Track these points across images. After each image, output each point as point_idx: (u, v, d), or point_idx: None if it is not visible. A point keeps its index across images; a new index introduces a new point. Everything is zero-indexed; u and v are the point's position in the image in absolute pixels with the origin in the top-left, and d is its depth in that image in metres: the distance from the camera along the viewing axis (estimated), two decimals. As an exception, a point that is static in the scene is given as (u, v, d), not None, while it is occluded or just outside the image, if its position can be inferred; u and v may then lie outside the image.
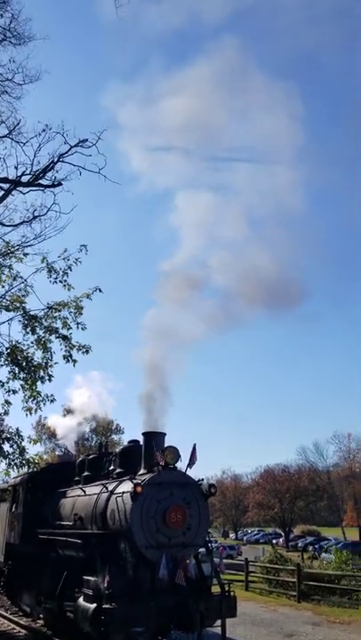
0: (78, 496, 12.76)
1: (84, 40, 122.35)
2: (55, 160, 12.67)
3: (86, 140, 12.62)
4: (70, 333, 12.74)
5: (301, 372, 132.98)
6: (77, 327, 12.78)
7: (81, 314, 12.89)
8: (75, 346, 12.69)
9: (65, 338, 12.75)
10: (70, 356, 12.62)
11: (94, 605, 9.25)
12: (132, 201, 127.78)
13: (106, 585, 9.27)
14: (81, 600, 9.89)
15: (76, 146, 12.67)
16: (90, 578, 9.96)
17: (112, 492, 10.81)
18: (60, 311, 12.89)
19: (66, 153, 12.66)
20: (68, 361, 12.63)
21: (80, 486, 13.30)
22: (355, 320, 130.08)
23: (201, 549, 10.82)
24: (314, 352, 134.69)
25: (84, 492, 12.47)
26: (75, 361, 12.65)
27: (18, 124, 12.34)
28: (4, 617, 15.98)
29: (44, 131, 12.33)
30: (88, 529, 11.43)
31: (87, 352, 12.77)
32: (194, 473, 10.56)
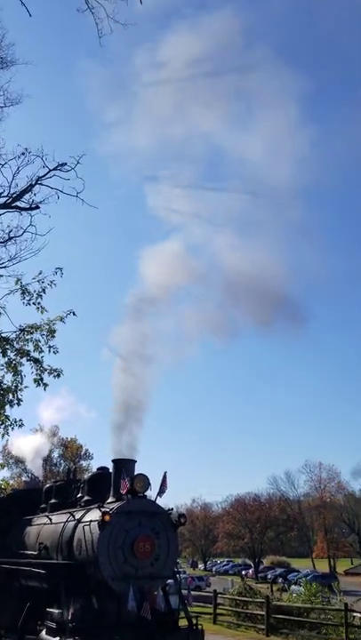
0: (44, 524, 12.43)
1: (66, 65, 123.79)
2: (33, 182, 12.68)
3: (65, 163, 12.69)
4: (42, 357, 12.55)
5: (273, 400, 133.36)
6: (49, 351, 12.60)
7: (54, 337, 12.72)
8: (46, 369, 12.49)
9: (36, 361, 12.54)
10: (41, 379, 12.41)
11: (57, 639, 8.95)
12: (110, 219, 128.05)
13: (70, 617, 8.98)
14: (44, 633, 9.58)
15: (54, 169, 12.72)
16: (53, 610, 9.64)
17: (79, 521, 10.56)
18: (32, 334, 12.70)
19: (44, 176, 12.70)
20: (38, 384, 12.41)
21: (46, 514, 12.97)
22: (325, 350, 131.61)
23: (169, 581, 10.59)
24: (285, 381, 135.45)
25: (51, 520, 12.15)
26: (45, 385, 12.43)
27: (-3, 145, 12.33)
28: None
29: (23, 154, 12.36)
30: (53, 559, 11.11)
31: (58, 376, 12.56)
32: (164, 501, 10.42)
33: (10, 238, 12.54)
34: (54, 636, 9.10)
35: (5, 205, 12.68)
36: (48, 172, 12.67)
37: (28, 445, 21.56)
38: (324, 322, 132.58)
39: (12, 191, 12.57)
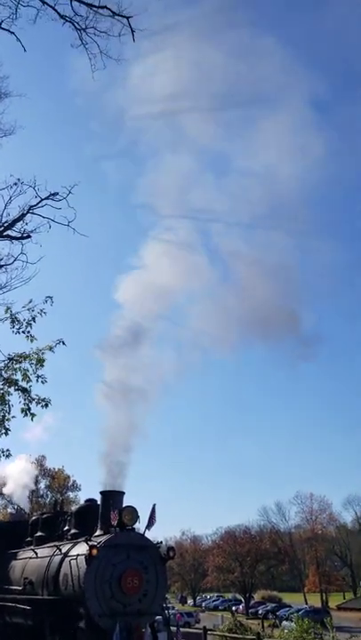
0: (30, 558, 12.15)
1: (60, 98, 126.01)
2: (25, 212, 12.74)
3: (57, 193, 12.76)
4: (30, 386, 12.43)
5: (263, 430, 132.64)
6: (37, 380, 12.49)
7: (42, 366, 12.62)
8: (34, 399, 12.35)
9: (24, 390, 12.42)
10: (29, 409, 12.26)
11: None
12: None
13: (54, 657, 8.71)
14: (27, 673, 9.25)
15: (46, 199, 12.78)
16: (38, 649, 9.35)
17: (66, 555, 10.33)
18: (21, 363, 12.59)
19: (36, 205, 12.76)
20: (26, 414, 12.26)
21: (32, 547, 12.69)
22: (314, 382, 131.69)
23: (157, 617, 10.32)
24: (277, 411, 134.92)
25: (36, 553, 11.88)
26: (33, 415, 12.28)
27: (-12, 175, 12.41)
28: None
29: (15, 184, 12.44)
30: (39, 594, 10.83)
31: (47, 405, 12.42)
32: (152, 534, 10.19)
33: (0, 267, 12.52)
34: None
35: None
36: (40, 202, 12.74)
37: (14, 476, 21.24)
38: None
39: (3, 220, 12.61)
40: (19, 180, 12.49)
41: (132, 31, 9.58)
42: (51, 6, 9.36)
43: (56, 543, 11.30)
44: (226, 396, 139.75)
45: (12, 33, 9.68)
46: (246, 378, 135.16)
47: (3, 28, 9.50)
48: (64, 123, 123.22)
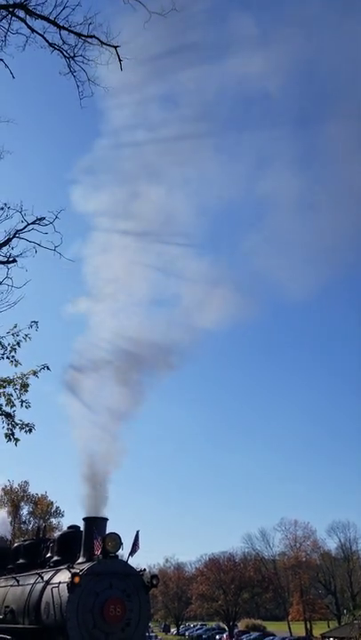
0: (11, 586, 11.98)
1: (49, 123, 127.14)
2: (11, 236, 12.83)
3: (43, 218, 12.87)
4: (14, 411, 12.38)
5: (247, 456, 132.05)
6: (22, 405, 12.45)
7: (26, 391, 12.60)
8: (18, 424, 12.30)
9: (8, 415, 12.36)
10: (12, 434, 12.20)
11: None
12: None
13: None
14: None
15: (32, 223, 12.85)
16: None
17: (48, 582, 10.22)
18: (4, 387, 12.56)
19: (22, 229, 12.84)
20: (9, 440, 12.19)
21: (13, 575, 12.51)
22: (299, 406, 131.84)
23: (140, 646, 10.19)
24: (260, 436, 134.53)
25: (18, 581, 11.73)
26: (17, 440, 12.22)
27: (-24, 201, 12.50)
28: None
29: (2, 209, 12.53)
30: (19, 623, 10.68)
31: (30, 431, 12.37)
32: (136, 561, 10.22)
33: (-16, 291, 12.52)
34: None
35: None
36: (26, 226, 12.84)
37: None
38: (295, 375, 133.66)
39: (-12, 245, 12.66)
40: (5, 204, 12.60)
41: (120, 60, 9.80)
42: (39, 34, 9.50)
43: (38, 571, 11.17)
44: (207, 421, 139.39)
45: (1, 60, 9.88)
46: (227, 403, 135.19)
47: (-9, 55, 9.63)
48: (51, 147, 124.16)
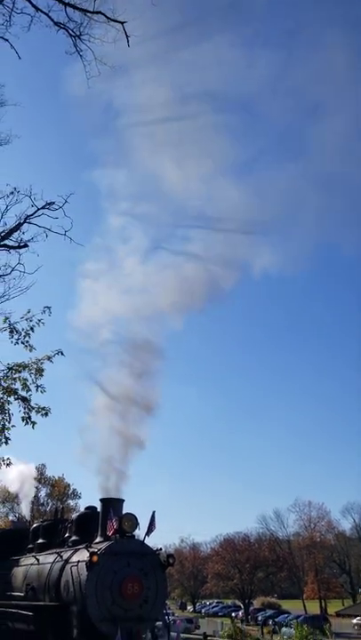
0: (31, 565, 12.30)
1: (55, 106, 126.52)
2: (22, 221, 12.88)
3: (53, 202, 12.89)
4: (30, 395, 12.57)
5: (261, 438, 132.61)
6: (37, 390, 12.62)
7: (41, 375, 12.77)
8: (34, 408, 12.50)
9: (24, 399, 12.56)
10: (29, 417, 12.41)
11: None
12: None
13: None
14: None
15: (42, 208, 12.88)
16: (40, 654, 9.50)
17: (67, 561, 10.49)
18: (20, 372, 12.74)
19: (32, 215, 12.88)
20: (27, 423, 12.40)
21: (33, 554, 12.84)
22: (313, 387, 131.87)
23: (158, 623, 10.47)
24: (273, 419, 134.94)
25: (38, 560, 12.04)
26: (34, 423, 12.43)
27: (-15, 185, 12.55)
28: None
29: (12, 193, 12.57)
30: (40, 600, 10.99)
31: (46, 414, 12.57)
32: (152, 541, 10.36)
33: (-1, 277, 12.63)
34: None
35: None
36: (36, 211, 12.87)
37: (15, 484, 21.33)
38: (309, 356, 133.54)
39: (0, 230, 12.76)
40: (15, 189, 12.64)
41: (127, 37, 9.60)
42: (44, 13, 9.28)
43: (57, 550, 11.46)
44: (226, 403, 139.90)
45: (6, 40, 9.79)
46: (252, 382, 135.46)
47: (-4, 36, 9.54)
48: (60, 130, 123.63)
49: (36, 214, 12.89)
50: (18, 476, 22.00)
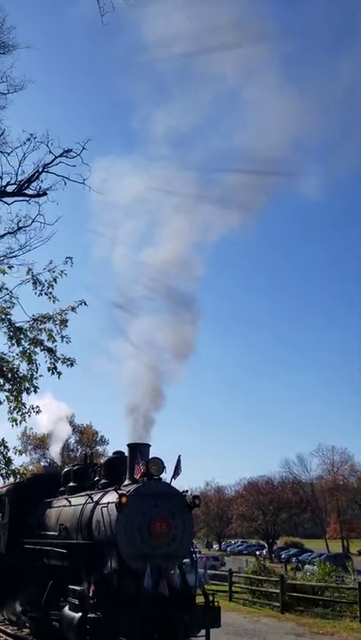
0: (63, 506, 12.83)
1: (68, 48, 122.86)
2: (40, 170, 12.72)
3: (70, 150, 12.68)
4: (55, 346, 12.78)
5: (285, 382, 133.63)
6: (62, 340, 12.80)
7: (66, 326, 12.93)
8: (59, 358, 12.72)
9: (50, 350, 12.77)
10: (55, 368, 12.65)
11: (80, 614, 9.32)
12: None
13: (91, 594, 9.37)
14: (66, 609, 9.95)
15: (60, 156, 12.70)
16: (75, 587, 10.03)
17: (97, 503, 10.91)
18: (45, 323, 12.91)
19: (50, 163, 12.69)
20: (53, 373, 12.66)
21: (65, 497, 13.37)
22: (337, 332, 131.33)
23: (185, 560, 10.93)
24: (298, 365, 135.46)
25: (70, 502, 12.54)
26: (59, 373, 12.68)
27: (2, 133, 12.44)
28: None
29: (28, 140, 12.37)
30: (73, 539, 11.51)
31: (72, 365, 12.80)
32: (178, 484, 10.69)
33: (19, 228, 12.65)
34: (77, 612, 9.47)
35: (13, 194, 12.77)
36: (54, 160, 12.67)
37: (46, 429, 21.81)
38: (335, 298, 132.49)
39: (18, 179, 12.63)
40: (31, 135, 12.41)
41: None
42: None
43: (88, 492, 11.91)
44: (254, 345, 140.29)
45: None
46: (275, 328, 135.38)
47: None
48: (74, 73, 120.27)
49: (53, 163, 12.70)
50: (52, 416, 22.40)
